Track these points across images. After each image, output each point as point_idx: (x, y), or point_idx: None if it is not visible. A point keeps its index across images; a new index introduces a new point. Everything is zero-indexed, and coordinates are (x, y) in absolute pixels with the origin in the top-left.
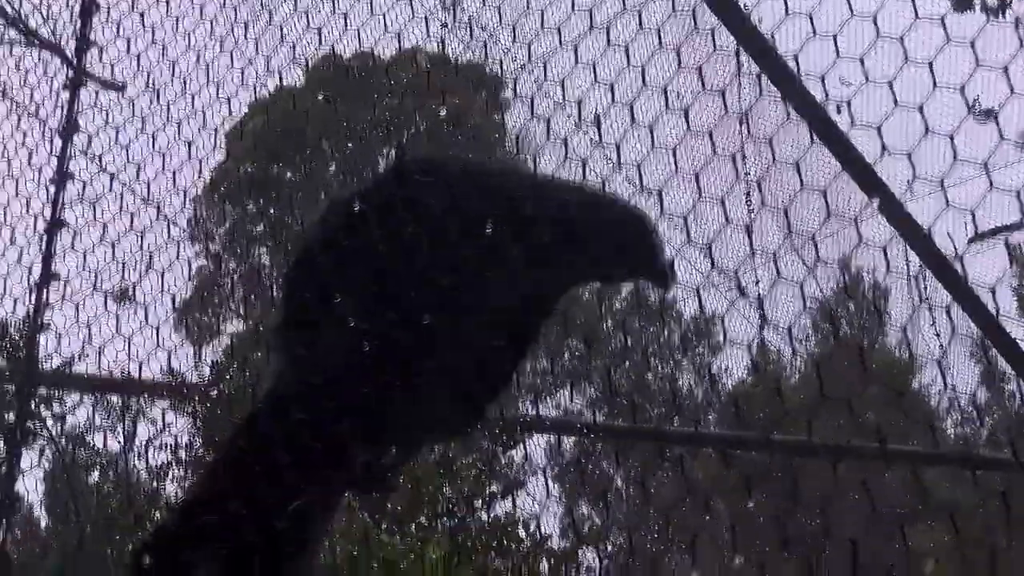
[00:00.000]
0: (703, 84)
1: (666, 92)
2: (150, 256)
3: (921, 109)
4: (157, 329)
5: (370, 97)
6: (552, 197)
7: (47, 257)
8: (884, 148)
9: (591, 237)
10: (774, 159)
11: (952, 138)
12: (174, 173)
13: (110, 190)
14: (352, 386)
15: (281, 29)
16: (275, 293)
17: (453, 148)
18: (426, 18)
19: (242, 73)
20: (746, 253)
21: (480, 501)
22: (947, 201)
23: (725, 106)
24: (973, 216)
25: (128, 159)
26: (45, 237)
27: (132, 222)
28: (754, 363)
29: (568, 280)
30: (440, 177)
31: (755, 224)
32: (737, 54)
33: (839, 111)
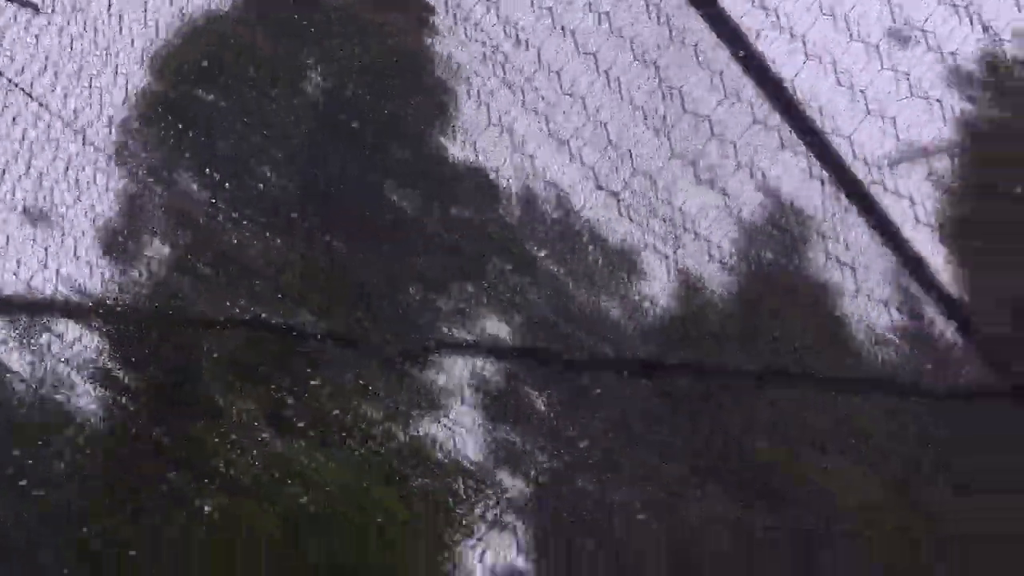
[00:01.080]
0: None
1: None
2: (68, 171)
3: None
4: (73, 248)
5: (298, 23)
6: None
7: None
8: None
9: None
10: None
11: None
12: (91, 86)
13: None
14: None
15: None
16: (200, 219)
17: (385, 72)
18: None
19: None
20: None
21: (397, 423)
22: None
23: None
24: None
25: (43, 70)
26: None
27: (47, 135)
28: (678, 289)
29: None
30: None
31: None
32: None
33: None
